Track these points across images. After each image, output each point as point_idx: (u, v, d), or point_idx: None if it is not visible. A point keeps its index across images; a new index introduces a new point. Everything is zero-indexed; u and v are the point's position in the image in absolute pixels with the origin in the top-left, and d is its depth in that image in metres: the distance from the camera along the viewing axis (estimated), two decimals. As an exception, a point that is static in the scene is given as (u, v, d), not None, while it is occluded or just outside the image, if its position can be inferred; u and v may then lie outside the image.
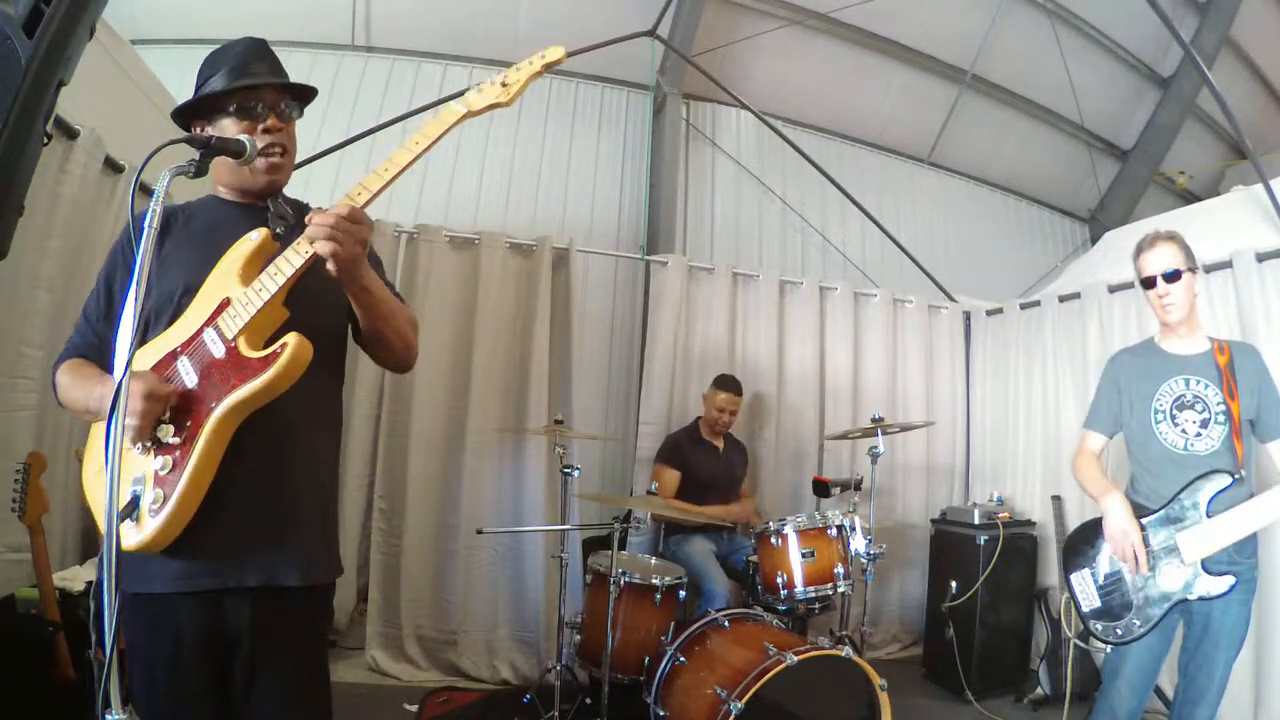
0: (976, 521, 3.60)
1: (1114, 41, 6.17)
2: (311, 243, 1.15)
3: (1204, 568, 1.92)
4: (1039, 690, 3.35)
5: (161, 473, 1.14)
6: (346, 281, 1.21)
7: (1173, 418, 2.04)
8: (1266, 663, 2.77)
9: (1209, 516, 1.92)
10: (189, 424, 1.16)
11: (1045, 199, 7.22)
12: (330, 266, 1.16)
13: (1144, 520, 2.01)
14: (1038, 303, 4.14)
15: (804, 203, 5.95)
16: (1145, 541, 1.98)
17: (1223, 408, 1.98)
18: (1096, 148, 6.73)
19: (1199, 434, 2.00)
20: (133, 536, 1.12)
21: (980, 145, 6.66)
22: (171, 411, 1.18)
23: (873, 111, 6.28)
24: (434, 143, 1.21)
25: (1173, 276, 2.04)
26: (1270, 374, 2.05)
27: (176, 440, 1.16)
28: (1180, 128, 6.59)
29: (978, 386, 4.58)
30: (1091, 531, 2.12)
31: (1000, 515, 3.61)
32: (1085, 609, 2.08)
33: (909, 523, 4.28)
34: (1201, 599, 1.92)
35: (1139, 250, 2.13)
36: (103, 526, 1.15)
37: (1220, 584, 1.90)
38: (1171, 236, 2.09)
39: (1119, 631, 2.01)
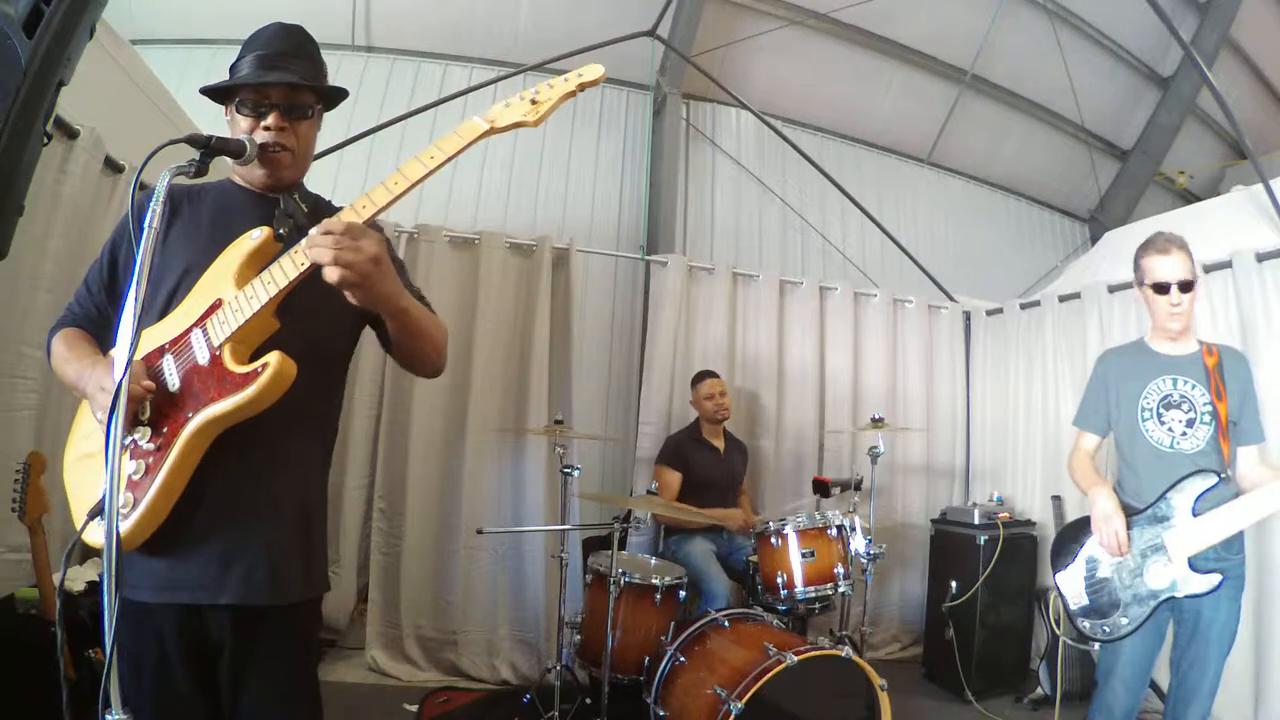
0: (976, 521, 3.60)
1: (1114, 41, 6.17)
2: (310, 259, 1.08)
3: (1190, 565, 1.93)
4: (1039, 690, 3.35)
5: (134, 477, 1.13)
6: (374, 305, 1.14)
7: (1159, 416, 2.06)
8: (1266, 662, 2.77)
9: (1195, 515, 1.94)
10: (165, 430, 1.14)
11: (1045, 199, 7.22)
12: (350, 297, 1.09)
13: (1131, 519, 2.03)
14: (1038, 303, 4.14)
15: (804, 203, 5.95)
16: (1131, 540, 2.01)
17: (1209, 408, 2.00)
18: (1096, 148, 6.72)
19: (1185, 433, 2.02)
20: (100, 536, 1.09)
21: (980, 145, 6.66)
22: (151, 413, 1.15)
23: (873, 111, 6.27)
24: (449, 159, 1.13)
25: (1186, 287, 2.04)
26: (1254, 382, 2.07)
27: (151, 446, 1.14)
28: (1180, 128, 6.59)
29: (978, 386, 4.58)
30: (1080, 530, 2.14)
31: (1000, 515, 3.61)
32: (1074, 607, 2.10)
33: (909, 523, 4.28)
34: (1190, 596, 1.94)
35: (1148, 250, 2.10)
36: (77, 519, 1.17)
37: (1207, 582, 1.91)
38: (1184, 245, 2.08)
39: (1106, 629, 2.03)
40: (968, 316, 4.72)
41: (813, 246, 5.95)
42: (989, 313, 4.58)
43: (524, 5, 5.28)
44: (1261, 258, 3.02)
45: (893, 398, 4.34)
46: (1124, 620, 1.99)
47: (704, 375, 3.64)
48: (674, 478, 3.43)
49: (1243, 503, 1.92)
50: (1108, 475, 2.27)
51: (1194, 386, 2.04)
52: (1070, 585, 2.11)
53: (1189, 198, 6.82)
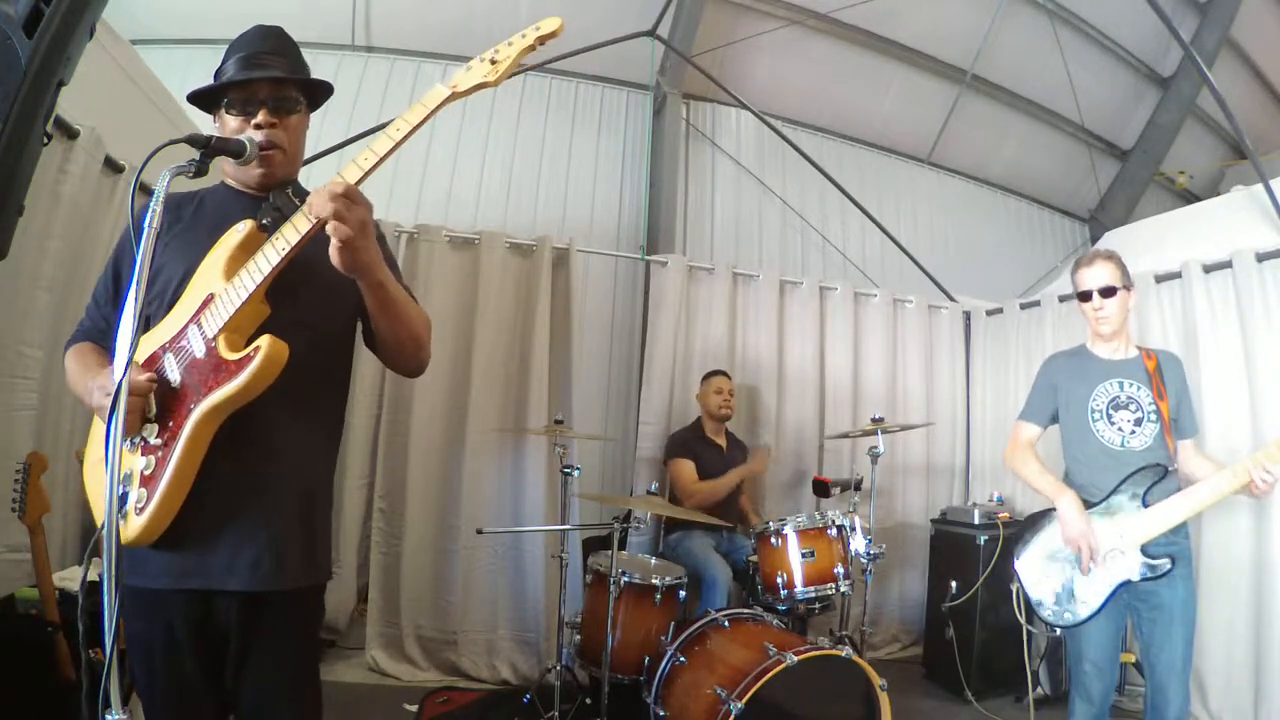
0: (976, 521, 3.60)
1: (1114, 41, 6.16)
2: (315, 214, 1.12)
3: (1144, 551, 2.05)
4: (1039, 690, 3.35)
5: (145, 472, 1.16)
6: (357, 273, 1.17)
7: (1109, 417, 2.19)
8: (1266, 662, 2.77)
9: (1146, 505, 2.07)
10: (171, 424, 1.17)
11: (1045, 199, 7.22)
12: (335, 257, 1.12)
13: (1086, 510, 2.13)
14: (1038, 303, 4.14)
15: (804, 203, 5.95)
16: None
17: (1154, 407, 2.15)
18: (1096, 148, 6.72)
19: (1134, 431, 2.16)
20: (125, 532, 1.14)
21: (980, 145, 6.65)
22: (157, 409, 1.18)
23: (873, 111, 6.27)
24: (415, 129, 1.15)
25: (1108, 292, 2.20)
26: (1188, 381, 2.23)
27: (159, 441, 1.17)
28: (1180, 128, 6.59)
29: (978, 386, 4.58)
30: (1039, 519, 2.26)
31: (1000, 515, 3.60)
32: (1034, 595, 2.19)
33: (909, 523, 4.28)
34: (1145, 580, 2.05)
35: (1078, 266, 2.29)
36: (99, 518, 1.18)
37: (1159, 566, 2.03)
38: (1110, 256, 2.26)
39: (1068, 615, 2.12)
40: (968, 316, 4.72)
41: (813, 246, 5.95)
42: (989, 313, 4.58)
43: (524, 5, 5.27)
44: (1261, 258, 3.02)
45: (893, 398, 4.34)
46: (1084, 606, 2.09)
47: (716, 372, 3.71)
48: (688, 465, 3.46)
49: (1190, 493, 2.05)
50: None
51: (1139, 388, 2.18)
52: (1030, 573, 2.21)
53: (1189, 198, 6.82)
